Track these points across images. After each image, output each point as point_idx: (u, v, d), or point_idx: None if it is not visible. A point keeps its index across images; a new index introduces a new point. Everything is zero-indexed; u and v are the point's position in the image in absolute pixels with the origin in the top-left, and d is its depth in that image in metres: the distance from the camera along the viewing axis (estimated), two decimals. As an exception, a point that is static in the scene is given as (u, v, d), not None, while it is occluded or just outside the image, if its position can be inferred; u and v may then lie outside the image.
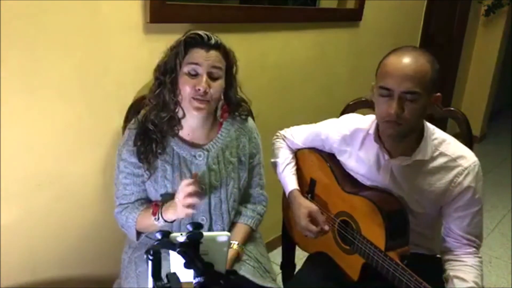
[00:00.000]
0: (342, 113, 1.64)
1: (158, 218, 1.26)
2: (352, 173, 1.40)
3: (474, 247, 1.27)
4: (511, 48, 4.69)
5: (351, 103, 1.67)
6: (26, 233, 1.40)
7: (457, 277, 1.21)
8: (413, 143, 1.25)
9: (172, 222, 1.26)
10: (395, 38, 2.90)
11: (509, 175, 3.81)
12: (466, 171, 1.22)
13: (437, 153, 1.25)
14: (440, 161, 1.24)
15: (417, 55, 1.15)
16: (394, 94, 1.14)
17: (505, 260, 2.65)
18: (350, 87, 2.60)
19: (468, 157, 1.24)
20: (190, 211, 1.17)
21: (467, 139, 1.49)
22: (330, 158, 1.45)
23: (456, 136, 1.33)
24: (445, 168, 1.24)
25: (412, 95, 1.13)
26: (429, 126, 1.28)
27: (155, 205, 1.28)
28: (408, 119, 1.15)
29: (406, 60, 1.14)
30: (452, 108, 1.57)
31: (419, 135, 1.25)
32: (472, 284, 1.19)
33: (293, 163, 1.53)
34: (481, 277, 1.23)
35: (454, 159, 1.24)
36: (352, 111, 1.62)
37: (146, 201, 1.34)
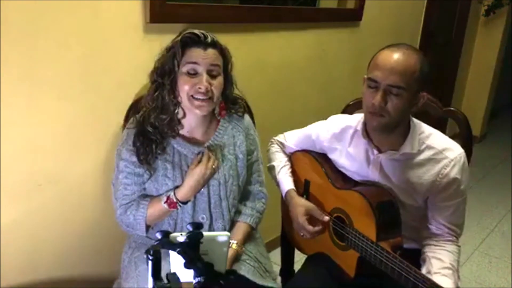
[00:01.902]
0: (342, 113, 1.64)
1: (174, 204, 1.27)
2: (343, 170, 1.43)
3: (454, 236, 1.31)
4: (511, 48, 4.69)
5: (351, 103, 1.67)
6: (26, 233, 1.40)
7: (435, 258, 1.26)
8: (400, 137, 1.28)
9: (187, 202, 1.29)
10: (395, 38, 2.90)
11: (509, 175, 3.81)
12: (452, 163, 1.26)
13: (424, 146, 1.28)
14: (427, 153, 1.28)
15: (409, 53, 1.19)
16: (380, 86, 1.18)
17: (505, 260, 2.65)
18: (350, 87, 2.60)
19: (454, 149, 1.27)
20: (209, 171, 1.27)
21: (467, 139, 1.49)
22: (321, 158, 1.47)
23: (456, 136, 1.34)
24: (432, 160, 1.27)
25: (397, 90, 1.17)
26: (415, 120, 1.31)
27: (167, 197, 1.28)
28: (390, 113, 1.19)
29: (397, 55, 1.18)
30: (452, 108, 1.57)
31: (406, 129, 1.29)
32: (449, 265, 1.24)
33: (289, 166, 1.55)
34: (457, 263, 1.27)
35: (440, 151, 1.27)
36: (352, 111, 1.63)
37: (148, 196, 1.33)
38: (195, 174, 1.27)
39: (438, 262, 1.25)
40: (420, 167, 1.28)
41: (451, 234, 1.31)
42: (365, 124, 1.32)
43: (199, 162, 1.28)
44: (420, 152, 1.28)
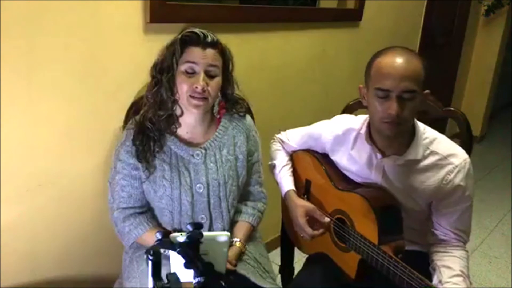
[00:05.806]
0: (342, 113, 1.64)
1: None
2: (345, 172, 1.42)
3: (461, 241, 1.30)
4: (511, 48, 4.69)
5: (351, 103, 1.67)
6: (26, 233, 1.40)
7: (444, 266, 1.24)
8: (405, 142, 1.27)
9: None
10: (395, 38, 2.90)
11: (509, 175, 3.80)
12: (457, 169, 1.24)
13: (428, 151, 1.27)
14: (432, 159, 1.26)
15: (410, 55, 1.18)
16: (392, 94, 1.16)
17: (505, 260, 2.65)
18: (350, 87, 2.59)
19: (458, 155, 1.26)
20: None
21: (467, 139, 1.49)
22: (323, 158, 1.47)
23: (456, 136, 1.34)
24: (436, 166, 1.26)
25: (410, 94, 1.16)
26: (420, 125, 1.30)
27: None
28: (407, 118, 1.18)
29: (401, 60, 1.16)
30: (452, 108, 1.57)
31: (411, 134, 1.27)
32: (459, 273, 1.22)
33: (290, 165, 1.55)
34: (467, 268, 1.26)
35: (445, 157, 1.26)
36: (352, 111, 1.63)
37: (153, 215, 1.34)
38: None
39: (448, 270, 1.23)
40: (424, 173, 1.26)
41: (458, 239, 1.29)
42: (368, 127, 1.30)
43: None
44: (424, 158, 1.26)
